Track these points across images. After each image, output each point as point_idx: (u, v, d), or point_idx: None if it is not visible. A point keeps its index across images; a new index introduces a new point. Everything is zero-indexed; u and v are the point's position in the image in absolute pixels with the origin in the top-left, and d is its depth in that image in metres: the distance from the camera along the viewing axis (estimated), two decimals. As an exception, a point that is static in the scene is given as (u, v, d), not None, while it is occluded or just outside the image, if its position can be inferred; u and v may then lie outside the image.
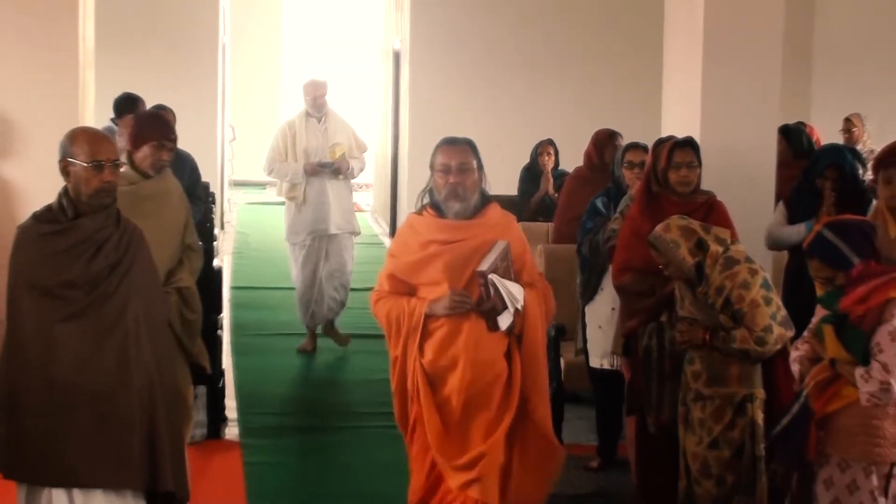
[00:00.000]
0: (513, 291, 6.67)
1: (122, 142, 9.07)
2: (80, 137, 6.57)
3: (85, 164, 6.41)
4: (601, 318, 9.74)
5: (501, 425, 6.99)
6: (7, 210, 9.49)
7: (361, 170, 13.71)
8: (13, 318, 6.51)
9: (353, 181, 13.82)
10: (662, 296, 8.05)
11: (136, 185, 8.26)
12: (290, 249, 13.58)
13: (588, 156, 11.71)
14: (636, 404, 8.32)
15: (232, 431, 11.25)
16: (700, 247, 7.56)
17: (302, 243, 13.21)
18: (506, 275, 6.67)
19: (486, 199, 7.13)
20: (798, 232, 9.50)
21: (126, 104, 11.99)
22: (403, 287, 7.01)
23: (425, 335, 6.92)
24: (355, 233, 13.64)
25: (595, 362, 9.99)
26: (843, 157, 10.11)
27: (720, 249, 7.60)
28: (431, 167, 7.14)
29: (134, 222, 6.71)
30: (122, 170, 7.99)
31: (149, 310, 6.61)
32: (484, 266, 6.60)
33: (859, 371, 6.56)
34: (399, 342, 6.99)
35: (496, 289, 6.58)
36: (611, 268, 9.23)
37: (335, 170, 12.97)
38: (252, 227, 23.60)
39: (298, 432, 11.60)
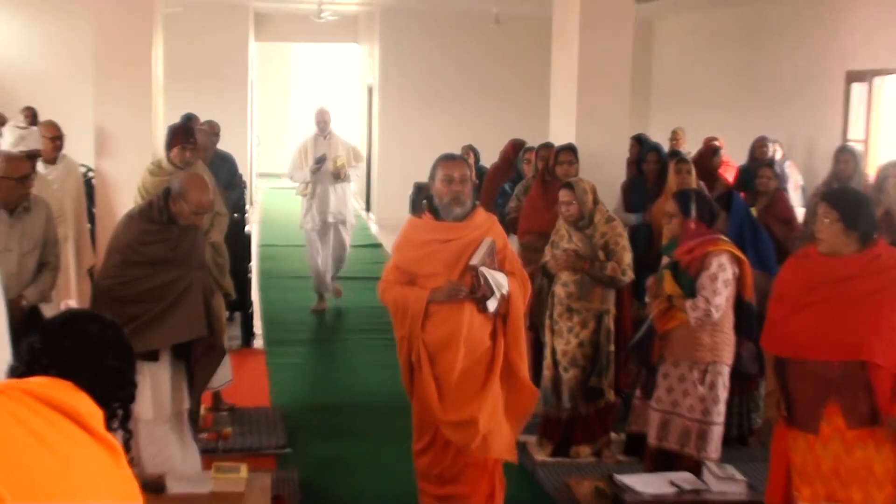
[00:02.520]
0: (499, 280, 5.89)
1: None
2: (194, 190, 6.37)
3: (190, 211, 6.34)
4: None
5: (487, 393, 6.03)
6: (104, 195, 9.48)
7: (358, 176, 13.42)
8: (105, 272, 6.49)
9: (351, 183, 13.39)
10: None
11: (171, 174, 8.15)
12: (305, 234, 13.06)
13: (506, 153, 11.96)
14: (532, 324, 8.33)
15: (258, 342, 11.30)
16: (595, 202, 7.76)
17: (311, 229, 12.78)
18: (492, 266, 5.90)
19: (474, 203, 6.20)
20: (632, 218, 9.58)
21: (186, 120, 11.91)
22: (406, 277, 6.09)
23: (428, 317, 5.99)
24: (349, 223, 13.13)
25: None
26: (660, 148, 10.85)
27: (605, 209, 7.87)
28: (432, 178, 6.11)
29: (202, 222, 6.73)
30: (163, 164, 8.55)
31: (202, 266, 6.62)
32: (475, 260, 5.84)
33: (688, 303, 6.69)
34: (405, 323, 6.05)
35: (485, 279, 5.83)
36: (514, 232, 9.29)
37: (335, 175, 12.53)
38: (271, 204, 23.54)
39: (304, 343, 11.73)
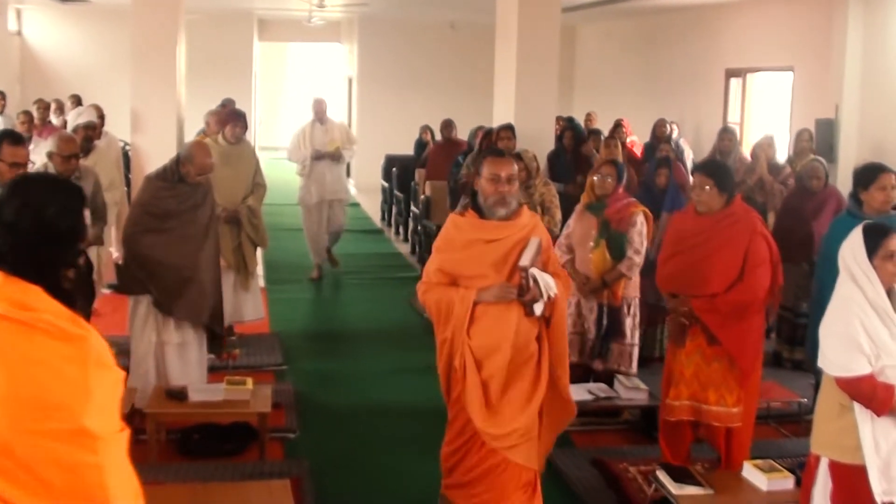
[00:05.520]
0: (549, 282, 4.62)
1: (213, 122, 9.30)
2: (198, 156, 6.41)
3: (195, 172, 6.37)
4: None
5: (534, 400, 4.69)
6: (138, 164, 9.37)
7: (351, 156, 12.12)
8: (129, 222, 6.49)
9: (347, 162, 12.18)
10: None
11: (224, 149, 8.30)
12: (302, 209, 11.69)
13: (441, 130, 12.93)
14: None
15: (260, 281, 10.95)
16: (538, 167, 7.84)
17: (309, 205, 11.57)
18: (539, 267, 4.67)
19: (519, 202, 4.85)
20: (557, 186, 9.56)
21: (222, 106, 11.76)
22: (448, 279, 4.74)
23: (472, 320, 4.66)
24: (345, 199, 11.99)
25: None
26: (578, 126, 11.53)
27: (542, 173, 8.06)
28: (478, 174, 4.79)
29: (208, 182, 6.62)
30: (219, 139, 8.48)
31: (209, 226, 6.55)
32: (525, 261, 4.57)
33: (623, 267, 6.72)
34: (448, 326, 4.70)
35: (535, 280, 4.58)
36: (465, 194, 9.26)
37: (332, 156, 11.41)
38: (270, 171, 22.84)
39: (298, 282, 11.52)
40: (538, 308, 4.64)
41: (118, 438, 2.20)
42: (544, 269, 4.69)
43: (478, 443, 4.73)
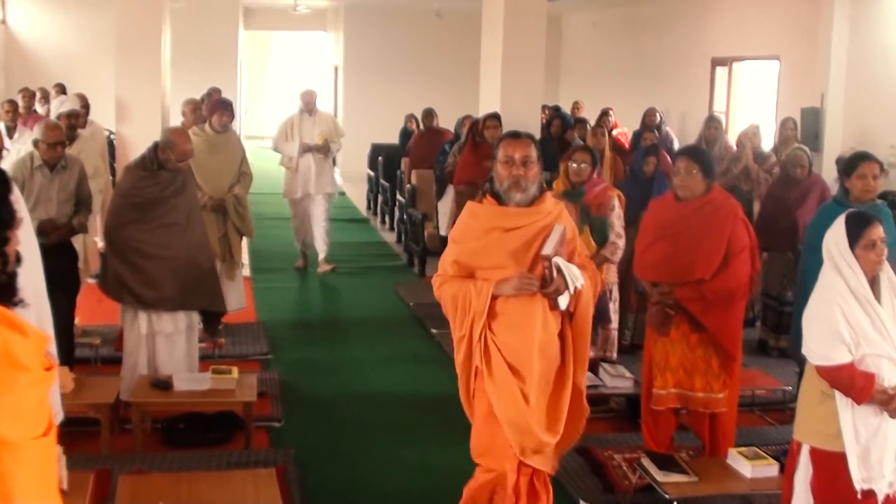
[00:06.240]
0: (574, 272, 4.17)
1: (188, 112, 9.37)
2: (179, 142, 6.38)
3: (175, 159, 6.35)
4: (446, 207, 9.79)
5: (563, 402, 4.29)
6: (123, 153, 9.35)
7: (338, 149, 11.74)
8: (111, 214, 6.46)
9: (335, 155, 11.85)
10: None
11: (211, 137, 8.41)
12: (288, 202, 11.44)
13: (424, 120, 13.21)
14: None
15: (246, 271, 10.90)
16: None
17: (294, 199, 11.25)
18: (563, 258, 4.21)
19: (541, 188, 4.40)
20: (543, 175, 9.61)
21: (208, 95, 11.72)
22: (465, 271, 4.32)
23: (494, 316, 4.23)
24: (332, 194, 11.53)
25: (443, 233, 10.00)
26: (565, 115, 11.67)
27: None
28: (494, 158, 4.39)
29: (188, 167, 6.63)
30: (205, 128, 8.54)
31: (192, 211, 6.52)
32: (548, 250, 4.12)
33: (606, 252, 6.72)
34: (465, 322, 4.26)
35: (559, 270, 4.14)
36: (451, 182, 9.31)
37: (320, 150, 11.05)
38: (255, 160, 22.74)
39: (283, 271, 11.47)
40: (563, 301, 4.23)
41: (35, 445, 2.04)
42: (569, 260, 4.26)
43: (509, 455, 4.31)
